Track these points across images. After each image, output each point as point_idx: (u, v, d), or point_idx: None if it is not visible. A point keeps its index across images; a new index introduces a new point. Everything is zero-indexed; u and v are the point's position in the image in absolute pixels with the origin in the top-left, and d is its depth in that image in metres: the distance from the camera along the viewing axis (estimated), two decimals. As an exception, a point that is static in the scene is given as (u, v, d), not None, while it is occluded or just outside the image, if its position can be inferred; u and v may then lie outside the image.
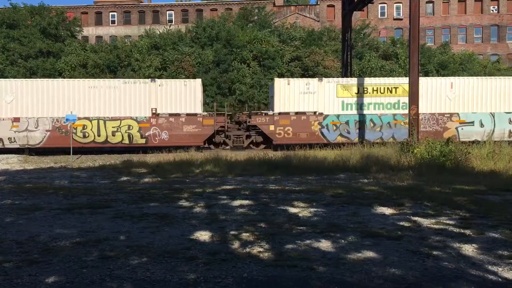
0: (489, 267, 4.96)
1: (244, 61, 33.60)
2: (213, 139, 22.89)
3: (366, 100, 22.57)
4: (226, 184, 11.43)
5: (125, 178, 12.92)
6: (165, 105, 21.85)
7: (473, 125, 22.68)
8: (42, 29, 38.68)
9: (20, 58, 36.19)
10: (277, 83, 22.71)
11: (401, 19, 52.98)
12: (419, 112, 21.54)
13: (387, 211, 7.85)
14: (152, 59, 34.03)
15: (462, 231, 6.44)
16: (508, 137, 22.67)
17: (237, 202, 8.66)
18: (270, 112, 22.81)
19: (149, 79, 22.65)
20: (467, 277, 4.64)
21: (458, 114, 22.64)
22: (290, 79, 24.00)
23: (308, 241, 5.91)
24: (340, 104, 22.49)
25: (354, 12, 26.87)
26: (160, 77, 32.67)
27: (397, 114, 22.57)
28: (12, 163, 17.96)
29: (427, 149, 14.71)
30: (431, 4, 54.32)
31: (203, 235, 6.25)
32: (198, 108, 22.04)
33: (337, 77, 28.48)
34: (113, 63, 34.72)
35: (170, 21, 55.87)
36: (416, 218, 7.24)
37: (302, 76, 32.99)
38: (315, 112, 22.37)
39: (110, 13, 57.49)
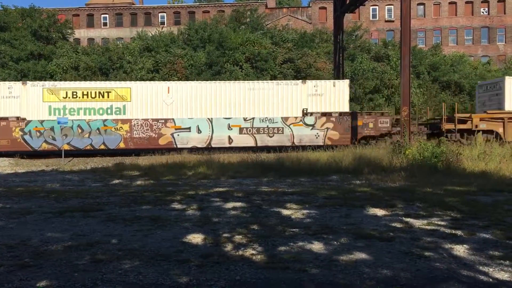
0: (480, 267, 5.00)
1: (236, 63, 33.63)
2: None
3: (76, 104, 21.33)
4: (219, 186, 11.41)
5: (117, 181, 12.87)
6: None
7: (190, 131, 21.72)
8: (33, 31, 38.45)
9: (11, 61, 35.94)
10: None
11: (393, 21, 53.31)
12: (132, 117, 21.36)
13: (379, 212, 7.88)
14: (144, 61, 33.96)
15: (453, 231, 6.48)
16: (228, 144, 21.86)
17: (229, 205, 8.65)
18: None
19: None
20: (459, 278, 4.67)
21: (173, 119, 21.68)
22: None
23: (300, 243, 5.91)
24: (46, 109, 21.17)
25: (346, 14, 27.02)
26: (152, 79, 32.61)
27: (108, 119, 21.36)
28: (3, 166, 17.81)
29: (419, 150, 14.80)
30: (422, 6, 54.74)
31: (196, 238, 6.23)
32: None
33: (330, 78, 27.93)
34: (105, 65, 34.60)
35: (162, 23, 55.84)
36: (408, 219, 7.27)
37: (295, 77, 33.04)
38: (18, 118, 20.88)
39: (102, 15, 57.29)
